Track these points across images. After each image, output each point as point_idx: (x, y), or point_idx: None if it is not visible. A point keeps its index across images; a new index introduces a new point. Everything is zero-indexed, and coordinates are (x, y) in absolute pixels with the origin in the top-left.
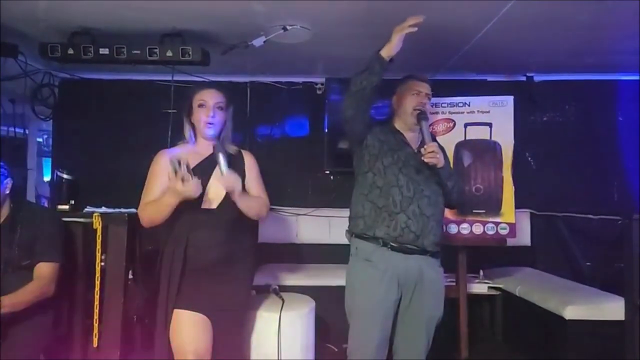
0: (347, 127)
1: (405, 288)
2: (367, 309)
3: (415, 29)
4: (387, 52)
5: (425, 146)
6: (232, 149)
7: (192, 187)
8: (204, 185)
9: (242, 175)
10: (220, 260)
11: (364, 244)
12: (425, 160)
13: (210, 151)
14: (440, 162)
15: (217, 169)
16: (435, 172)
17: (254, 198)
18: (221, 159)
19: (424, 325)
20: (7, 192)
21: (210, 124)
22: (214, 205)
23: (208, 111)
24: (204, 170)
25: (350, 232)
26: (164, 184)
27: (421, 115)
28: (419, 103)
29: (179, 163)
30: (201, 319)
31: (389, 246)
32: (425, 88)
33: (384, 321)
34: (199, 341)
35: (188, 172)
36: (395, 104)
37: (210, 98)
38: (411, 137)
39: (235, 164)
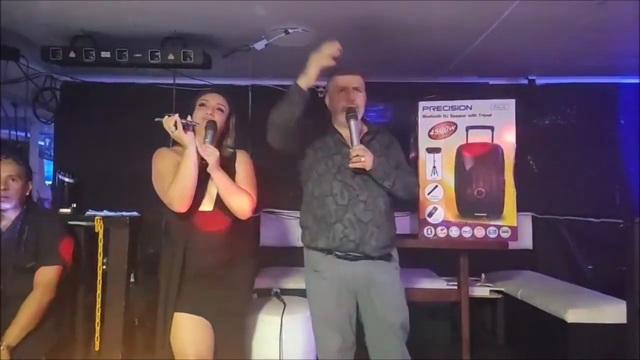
0: (278, 149)
1: (359, 294)
2: (321, 319)
3: (334, 63)
4: (305, 82)
5: (350, 150)
6: (229, 151)
7: (189, 138)
8: (202, 187)
9: (233, 172)
10: (219, 263)
11: (312, 253)
12: (351, 166)
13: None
14: (368, 165)
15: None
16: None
17: (236, 185)
18: (209, 131)
19: (389, 330)
20: (27, 193)
21: (208, 121)
22: (211, 207)
23: (207, 109)
24: (202, 171)
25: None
26: (175, 170)
27: (349, 114)
28: (347, 100)
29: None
30: (202, 321)
31: (333, 254)
32: (352, 82)
33: (341, 327)
34: (200, 344)
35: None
36: (328, 104)
37: (212, 99)
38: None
39: (228, 167)
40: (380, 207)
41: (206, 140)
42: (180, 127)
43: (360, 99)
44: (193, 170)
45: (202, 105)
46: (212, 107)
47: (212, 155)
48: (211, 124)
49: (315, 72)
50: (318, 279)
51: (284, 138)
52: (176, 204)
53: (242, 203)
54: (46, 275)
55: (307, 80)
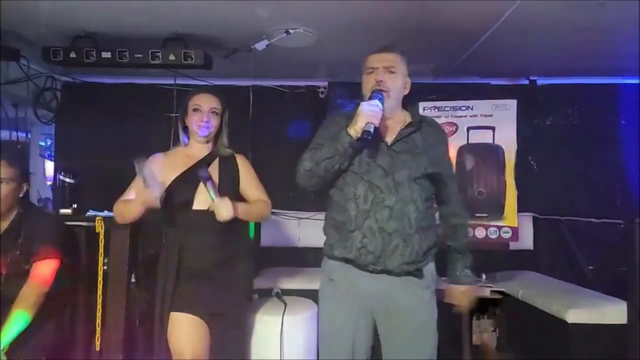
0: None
1: (377, 313)
2: (328, 333)
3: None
4: (354, 132)
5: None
6: (226, 151)
7: (148, 195)
8: (195, 187)
9: (236, 180)
10: (215, 263)
11: (329, 262)
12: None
13: (203, 154)
14: None
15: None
16: (413, 173)
17: (253, 204)
18: (209, 186)
19: None
20: (21, 195)
21: (204, 127)
22: (205, 206)
23: (202, 115)
24: (196, 173)
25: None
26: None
27: (371, 95)
28: (375, 82)
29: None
30: (197, 321)
31: (352, 264)
32: (381, 61)
33: (347, 346)
34: (196, 343)
35: (151, 179)
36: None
37: (205, 103)
38: (384, 125)
39: (227, 169)
40: (410, 215)
41: (212, 196)
42: (148, 182)
43: (392, 81)
44: (136, 215)
45: (195, 110)
46: (206, 113)
47: (227, 210)
48: (205, 174)
49: (363, 124)
50: (332, 289)
51: (321, 183)
52: (116, 218)
53: (263, 214)
54: (40, 268)
55: (354, 130)
